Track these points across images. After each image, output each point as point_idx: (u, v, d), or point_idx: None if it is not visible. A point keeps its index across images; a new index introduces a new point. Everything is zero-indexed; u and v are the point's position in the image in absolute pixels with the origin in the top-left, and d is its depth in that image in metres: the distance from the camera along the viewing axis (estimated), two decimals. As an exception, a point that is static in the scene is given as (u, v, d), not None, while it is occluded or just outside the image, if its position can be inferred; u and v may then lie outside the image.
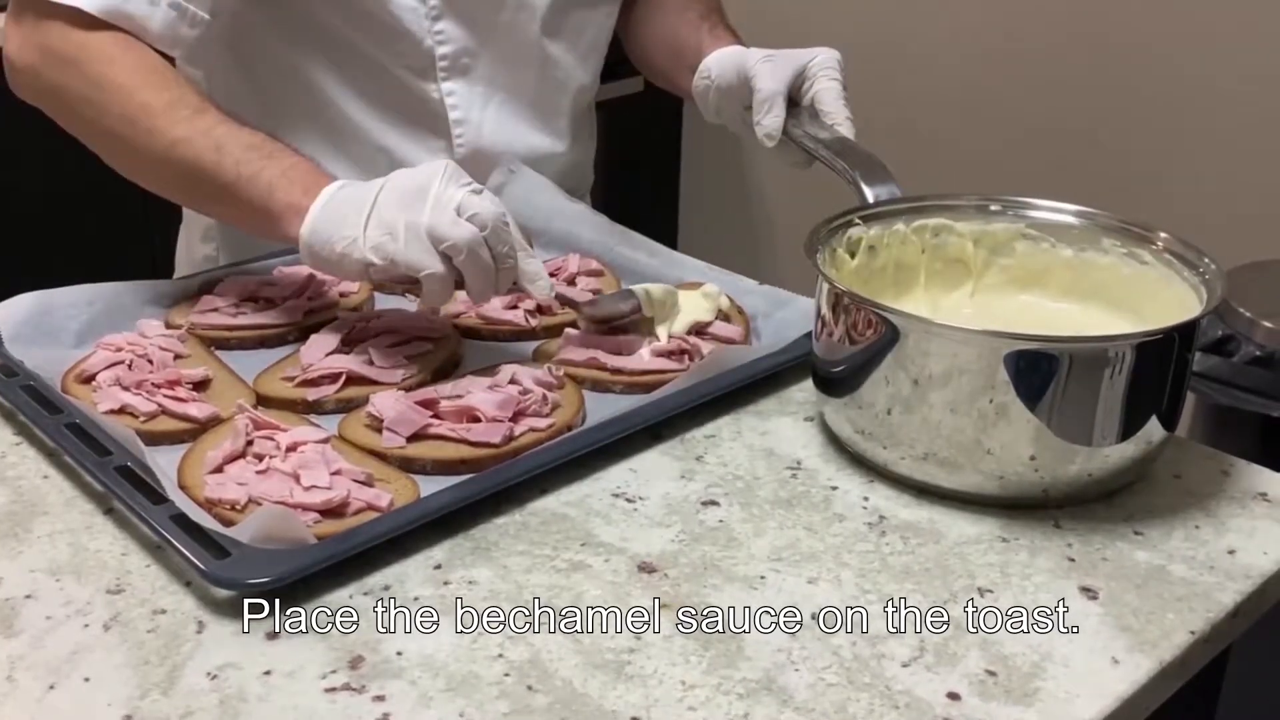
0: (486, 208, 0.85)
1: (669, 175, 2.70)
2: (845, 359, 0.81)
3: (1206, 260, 0.82)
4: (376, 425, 0.83)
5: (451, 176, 0.86)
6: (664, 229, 1.07)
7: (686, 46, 1.17)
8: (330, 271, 0.91)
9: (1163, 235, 0.86)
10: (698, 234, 2.58)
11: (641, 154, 2.60)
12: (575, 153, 1.23)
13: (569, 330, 0.96)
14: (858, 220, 0.90)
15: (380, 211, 0.86)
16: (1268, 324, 1.47)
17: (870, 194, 0.94)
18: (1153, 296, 0.86)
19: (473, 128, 1.14)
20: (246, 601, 0.69)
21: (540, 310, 1.00)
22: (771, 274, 1.06)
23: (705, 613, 0.69)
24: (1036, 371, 0.75)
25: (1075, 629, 0.68)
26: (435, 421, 0.83)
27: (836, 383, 0.83)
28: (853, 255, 0.89)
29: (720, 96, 1.11)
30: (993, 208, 0.92)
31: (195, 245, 1.21)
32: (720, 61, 1.10)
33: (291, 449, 0.79)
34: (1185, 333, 0.77)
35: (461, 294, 1.02)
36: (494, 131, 1.15)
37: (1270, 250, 1.62)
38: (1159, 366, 0.77)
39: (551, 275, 1.05)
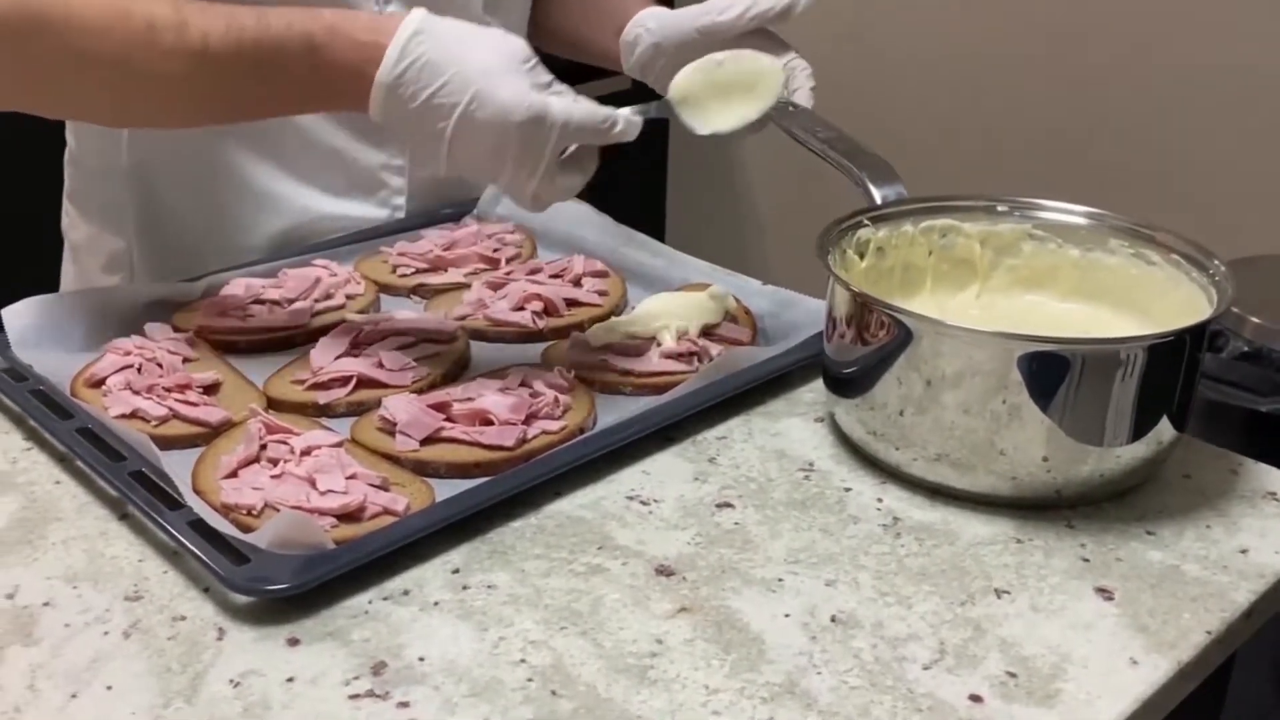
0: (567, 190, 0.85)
1: (657, 174, 2.70)
2: (857, 360, 0.82)
3: (1216, 261, 0.83)
4: (389, 429, 0.83)
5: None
6: (651, 229, 1.07)
7: (604, 4, 1.15)
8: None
9: (1171, 236, 0.87)
10: (686, 233, 2.58)
11: (629, 152, 2.60)
12: None
13: (576, 334, 0.96)
14: (866, 221, 0.90)
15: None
16: (1256, 320, 1.48)
17: (878, 195, 0.94)
18: (1160, 297, 0.86)
19: None
20: (267, 607, 0.69)
21: (547, 312, 1.00)
22: (761, 273, 1.06)
23: (725, 616, 0.69)
24: (1049, 373, 0.75)
25: (1092, 630, 0.69)
26: (448, 425, 0.83)
27: (848, 384, 0.83)
28: (861, 256, 0.90)
29: (656, 52, 1.07)
30: (1000, 208, 0.92)
31: (94, 278, 1.15)
32: (659, 17, 1.07)
33: (306, 453, 0.79)
34: (1196, 334, 0.78)
35: (469, 296, 1.02)
36: None
37: (1259, 246, 1.63)
38: (1170, 367, 0.78)
39: (555, 277, 1.06)
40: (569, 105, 0.81)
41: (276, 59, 0.82)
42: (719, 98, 0.91)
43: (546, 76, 0.83)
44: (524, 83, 0.80)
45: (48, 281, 1.14)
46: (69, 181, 1.17)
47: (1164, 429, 0.79)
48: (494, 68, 0.80)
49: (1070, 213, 0.91)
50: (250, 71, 0.83)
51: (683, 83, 0.90)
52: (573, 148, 0.84)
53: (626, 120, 0.84)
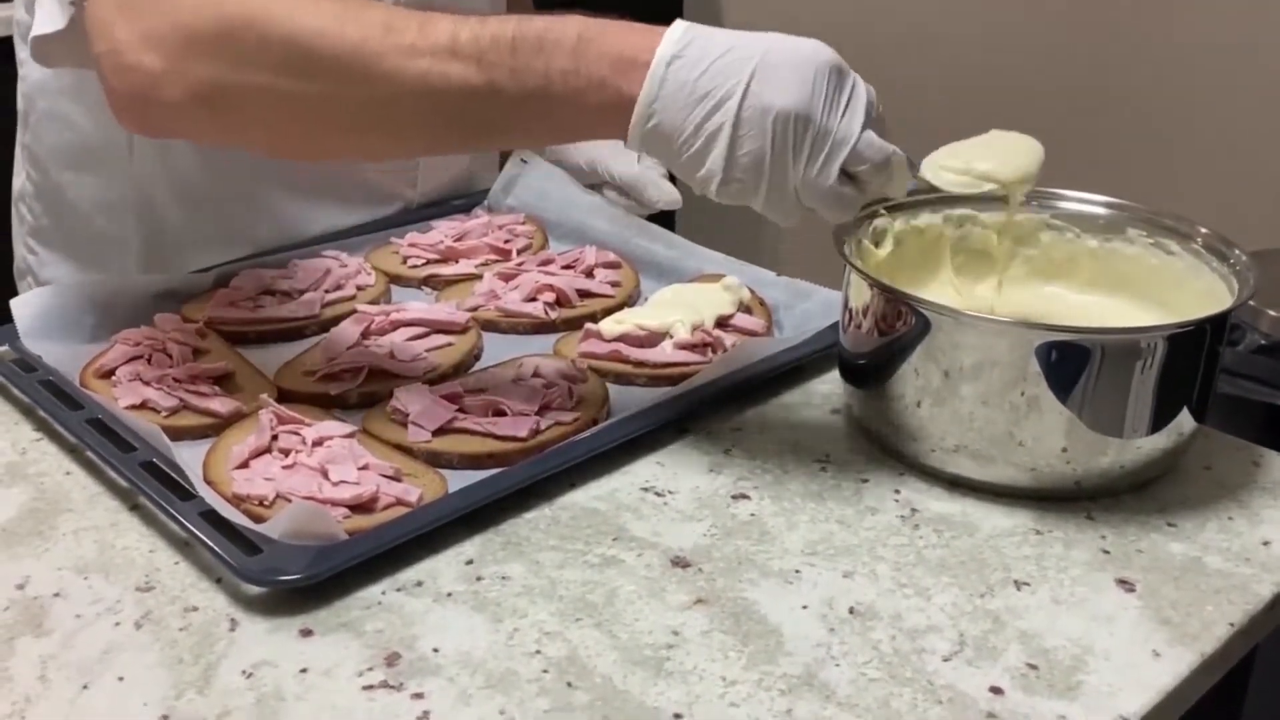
0: (878, 151, 0.74)
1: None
2: (874, 351, 0.81)
3: (1237, 251, 0.82)
4: (401, 419, 0.82)
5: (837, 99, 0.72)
6: (661, 219, 1.06)
7: None
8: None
9: (1192, 225, 0.86)
10: (696, 223, 2.57)
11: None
12: None
13: (589, 325, 0.95)
14: (882, 211, 0.89)
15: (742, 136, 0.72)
16: (1273, 313, 1.47)
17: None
18: (1180, 287, 0.86)
19: None
20: (279, 598, 0.68)
21: (560, 303, 0.99)
22: (771, 264, 1.05)
23: (742, 608, 0.69)
24: (1068, 363, 0.74)
25: (1114, 622, 0.68)
26: (460, 415, 0.82)
27: (865, 375, 0.82)
28: (878, 246, 0.89)
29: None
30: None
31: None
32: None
33: (318, 444, 0.78)
34: (1217, 324, 0.77)
35: (481, 287, 1.02)
36: None
37: (1273, 239, 1.62)
38: (1191, 358, 0.77)
39: (568, 268, 1.05)
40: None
41: (540, 48, 0.72)
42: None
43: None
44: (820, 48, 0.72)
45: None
46: (33, 218, 1.10)
47: (1184, 420, 0.78)
48: (779, 45, 0.72)
49: (1089, 202, 0.90)
50: (508, 66, 0.72)
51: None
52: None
53: (902, 164, 0.76)
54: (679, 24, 0.73)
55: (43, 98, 1.05)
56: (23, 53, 1.04)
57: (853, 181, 0.74)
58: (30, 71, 1.05)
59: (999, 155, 0.82)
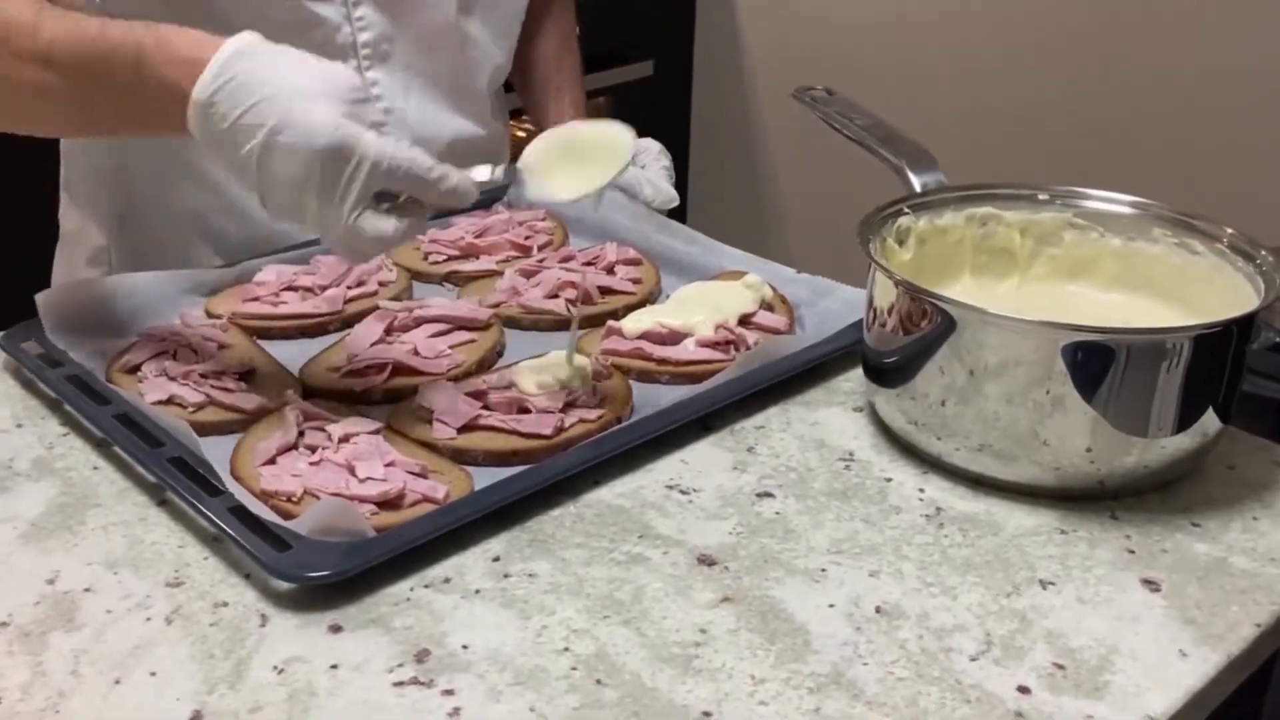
0: (387, 227, 0.77)
1: (678, 161, 2.69)
2: (899, 349, 0.81)
3: (1263, 252, 0.82)
4: (426, 416, 0.83)
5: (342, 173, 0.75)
6: (672, 214, 1.07)
7: (535, 100, 1.25)
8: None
9: (1219, 226, 0.86)
10: (707, 219, 2.58)
11: (650, 138, 2.60)
12: (493, 135, 1.22)
13: (611, 322, 0.95)
14: (906, 210, 0.89)
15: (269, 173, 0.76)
16: (1290, 310, 1.47)
17: (917, 182, 0.93)
18: (1203, 286, 0.86)
19: (397, 117, 1.11)
20: (309, 594, 0.68)
21: (582, 300, 1.00)
22: (782, 258, 1.05)
23: (769, 606, 0.69)
24: (1094, 363, 0.75)
25: (1140, 622, 0.68)
26: (485, 413, 0.83)
27: (889, 373, 0.83)
28: (901, 244, 0.89)
29: None
30: (1041, 196, 0.92)
31: (79, 269, 1.14)
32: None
33: (344, 440, 0.79)
34: (1244, 325, 0.77)
35: (503, 283, 1.02)
36: (418, 119, 1.13)
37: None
38: (1217, 358, 0.77)
39: (588, 264, 1.05)
40: (388, 145, 0.75)
41: (105, 67, 0.80)
42: (571, 165, 0.86)
43: (375, 115, 0.79)
44: (337, 110, 0.75)
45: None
46: (63, 170, 1.16)
47: (1209, 420, 0.78)
48: (310, 91, 0.75)
49: (1113, 201, 0.90)
50: (84, 79, 0.81)
51: (533, 153, 0.86)
52: (403, 197, 0.77)
53: (462, 180, 0.78)
54: (220, 55, 0.77)
55: None
56: None
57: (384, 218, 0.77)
58: None
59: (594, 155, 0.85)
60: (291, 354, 0.92)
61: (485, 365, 0.91)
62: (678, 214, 1.16)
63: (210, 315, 0.95)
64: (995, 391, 0.76)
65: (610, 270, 1.04)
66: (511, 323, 0.98)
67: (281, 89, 0.75)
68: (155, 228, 1.11)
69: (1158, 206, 0.89)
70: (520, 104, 1.30)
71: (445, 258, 1.07)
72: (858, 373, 0.90)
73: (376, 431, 0.81)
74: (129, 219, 1.11)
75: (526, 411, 0.83)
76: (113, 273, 1.11)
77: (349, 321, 0.96)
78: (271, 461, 0.78)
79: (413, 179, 0.76)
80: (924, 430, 0.80)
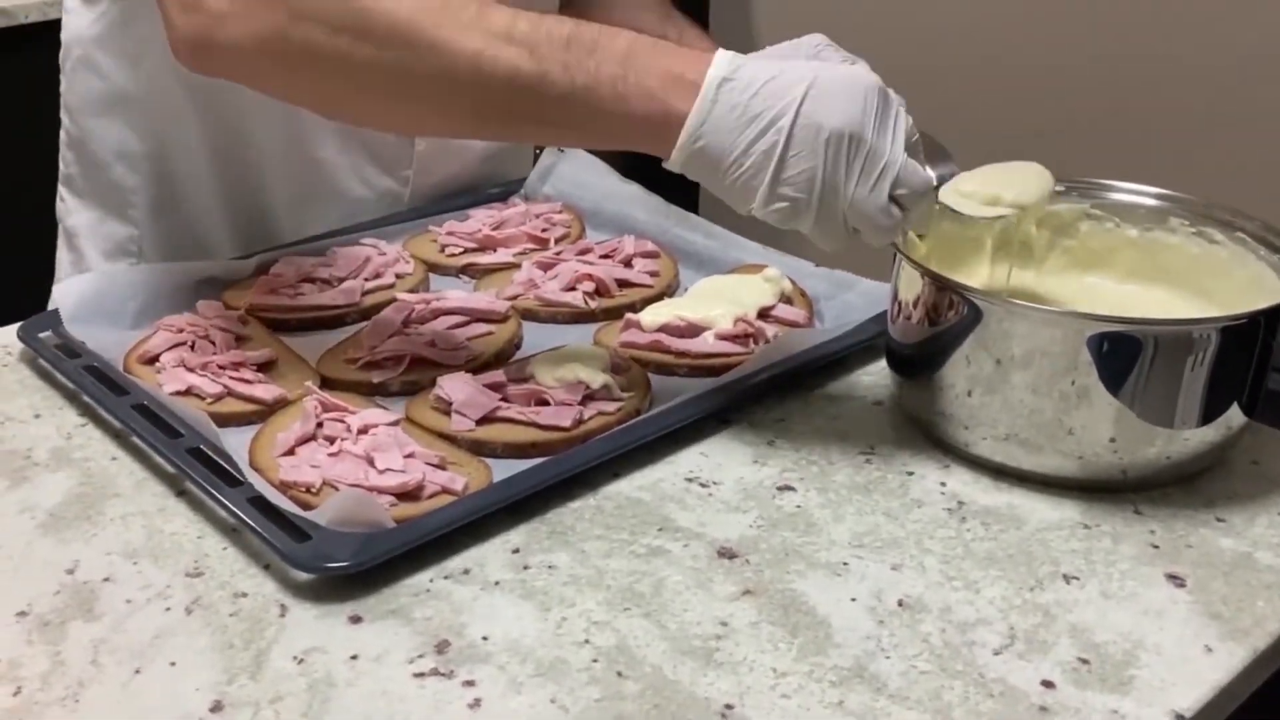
0: (920, 178, 0.76)
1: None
2: (925, 341, 0.80)
3: (1290, 241, 0.81)
4: (444, 408, 0.82)
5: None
6: (689, 206, 1.07)
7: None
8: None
9: (1243, 216, 0.85)
10: (725, 212, 2.57)
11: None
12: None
13: (629, 314, 0.95)
14: (928, 201, 0.88)
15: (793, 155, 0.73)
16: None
17: (932, 175, 0.92)
18: (1223, 277, 0.85)
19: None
20: (328, 585, 0.68)
21: (599, 293, 0.99)
22: (800, 252, 1.04)
23: (791, 599, 0.68)
24: (1119, 354, 0.74)
25: (1165, 616, 0.68)
26: (504, 405, 0.82)
27: (914, 364, 0.82)
28: (921, 236, 0.88)
29: None
30: (1057, 188, 0.91)
31: (94, 263, 1.09)
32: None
33: (363, 431, 0.79)
34: (1271, 316, 0.76)
35: (520, 276, 1.01)
36: None
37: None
38: (1243, 350, 0.76)
39: (606, 257, 1.05)
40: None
41: (593, 50, 0.73)
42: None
43: None
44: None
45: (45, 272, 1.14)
46: (64, 166, 1.12)
47: (1234, 414, 0.77)
48: (825, 65, 0.76)
49: (1130, 192, 0.89)
50: (560, 60, 0.73)
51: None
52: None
53: (934, 195, 0.78)
54: (724, 52, 0.75)
55: (78, 46, 1.06)
56: (70, 1, 1.05)
57: (896, 205, 0.75)
58: (71, 21, 1.06)
59: (1016, 182, 0.83)
60: (309, 345, 0.91)
61: (503, 357, 0.91)
62: (694, 206, 1.16)
63: (228, 307, 0.95)
64: (1021, 381, 0.76)
65: (628, 263, 1.04)
66: (529, 315, 0.97)
67: (796, 66, 0.74)
68: (194, 210, 1.08)
69: (1180, 198, 0.88)
70: None
71: (462, 250, 1.07)
72: (878, 366, 0.90)
73: (395, 423, 0.80)
74: (165, 203, 1.08)
75: (545, 403, 0.82)
76: (142, 262, 1.09)
77: (366, 313, 0.96)
78: (290, 452, 0.77)
79: (914, 172, 0.76)
80: (950, 421, 0.80)
